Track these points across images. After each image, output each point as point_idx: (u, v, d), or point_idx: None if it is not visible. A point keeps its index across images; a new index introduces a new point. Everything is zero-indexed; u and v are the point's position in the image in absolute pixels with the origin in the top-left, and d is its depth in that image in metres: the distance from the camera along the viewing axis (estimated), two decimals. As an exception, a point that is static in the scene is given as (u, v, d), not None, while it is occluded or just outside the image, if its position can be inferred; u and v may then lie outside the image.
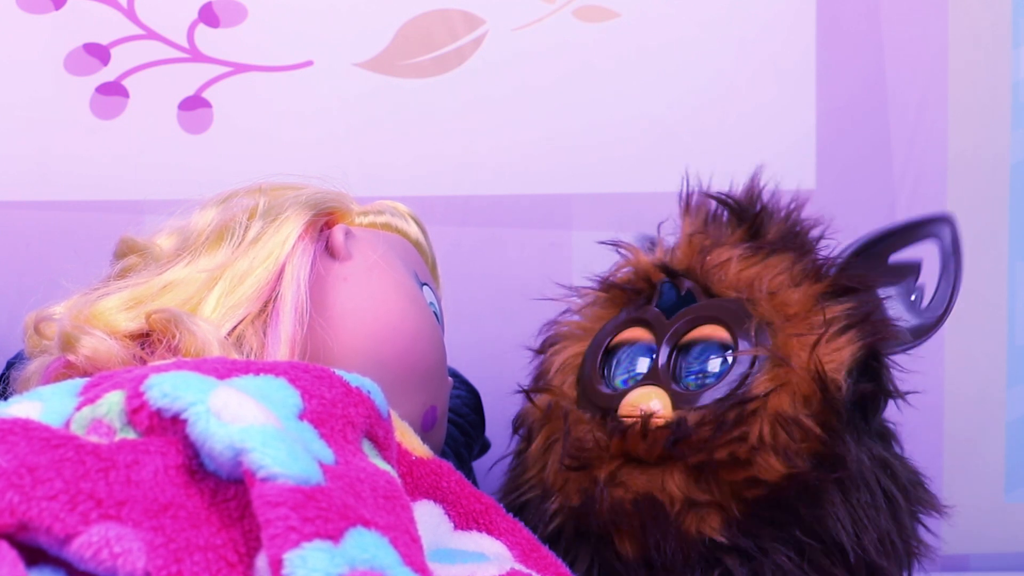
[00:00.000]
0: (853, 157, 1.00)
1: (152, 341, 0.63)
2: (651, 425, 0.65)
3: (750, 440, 0.63)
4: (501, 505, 0.64)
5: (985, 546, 1.01)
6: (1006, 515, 1.02)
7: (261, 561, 0.46)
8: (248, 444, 0.47)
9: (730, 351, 0.68)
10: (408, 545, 0.49)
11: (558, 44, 0.98)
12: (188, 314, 0.63)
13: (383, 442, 0.57)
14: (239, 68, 0.96)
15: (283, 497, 0.45)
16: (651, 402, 0.67)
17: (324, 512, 0.45)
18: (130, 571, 0.45)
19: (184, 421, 0.49)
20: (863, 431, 0.68)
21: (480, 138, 0.98)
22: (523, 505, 0.71)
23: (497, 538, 0.61)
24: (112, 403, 0.51)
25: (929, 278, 0.69)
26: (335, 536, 0.45)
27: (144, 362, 0.62)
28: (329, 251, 0.71)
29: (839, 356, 0.66)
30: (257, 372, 0.55)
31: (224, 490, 0.48)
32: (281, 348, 0.65)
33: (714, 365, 0.68)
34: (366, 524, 0.47)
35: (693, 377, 0.68)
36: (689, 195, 0.75)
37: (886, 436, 0.71)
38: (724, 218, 0.74)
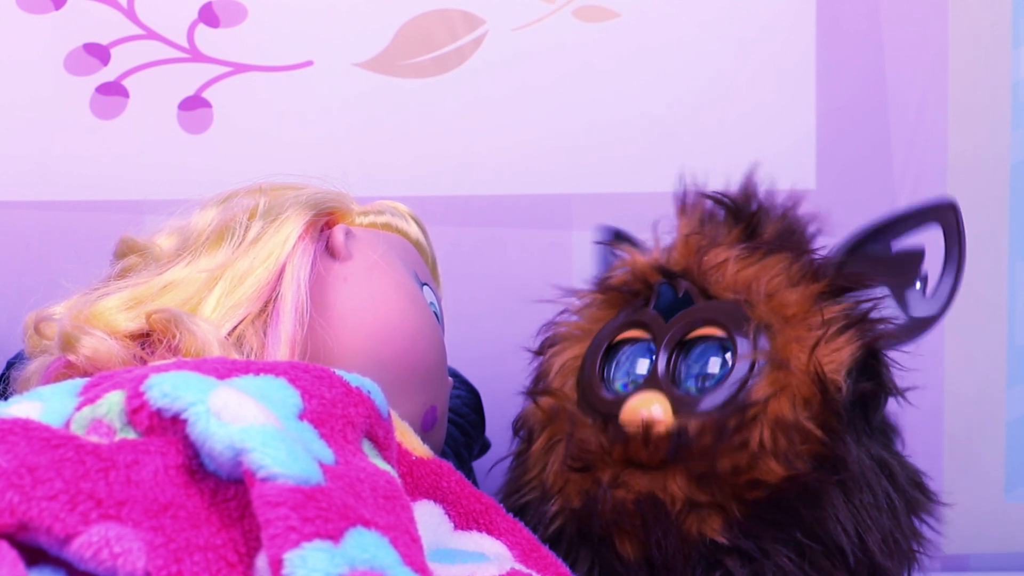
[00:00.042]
0: (853, 157, 1.00)
1: (152, 341, 0.63)
2: (652, 433, 0.65)
3: (751, 447, 0.63)
4: (501, 505, 0.64)
5: (985, 546, 1.01)
6: (1006, 515, 1.02)
7: (261, 561, 0.46)
8: (248, 444, 0.47)
9: (729, 352, 0.68)
10: (408, 545, 0.49)
11: (558, 44, 0.98)
12: (188, 314, 0.63)
13: (383, 442, 0.57)
14: (239, 68, 0.96)
15: (283, 497, 0.45)
16: (652, 408, 0.67)
17: (324, 512, 0.45)
18: (130, 571, 0.45)
19: (184, 421, 0.49)
20: (863, 431, 0.67)
21: (480, 138, 0.98)
22: (523, 507, 0.70)
23: (497, 538, 0.61)
24: (112, 403, 0.51)
25: (933, 266, 0.69)
26: (335, 536, 0.45)
27: (144, 362, 0.62)
28: (329, 251, 0.71)
29: (838, 356, 0.66)
30: (257, 372, 0.55)
31: (224, 490, 0.48)
32: (281, 348, 0.65)
33: (714, 367, 0.68)
34: (366, 524, 0.47)
35: (693, 380, 0.68)
36: (685, 194, 0.75)
37: (887, 432, 0.71)
38: (720, 217, 0.74)
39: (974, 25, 0.99)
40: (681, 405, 0.67)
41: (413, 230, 0.79)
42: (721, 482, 0.64)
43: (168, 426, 0.50)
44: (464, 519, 0.61)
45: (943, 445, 1.01)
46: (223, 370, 0.54)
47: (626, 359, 0.72)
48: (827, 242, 0.72)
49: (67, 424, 0.52)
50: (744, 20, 0.99)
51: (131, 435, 0.50)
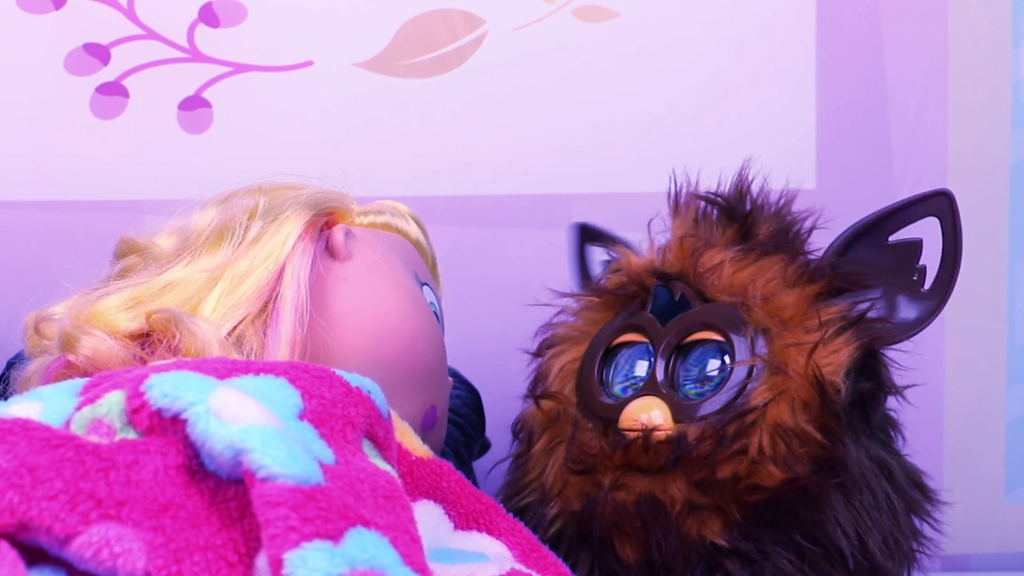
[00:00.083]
0: (853, 157, 1.00)
1: (152, 341, 0.63)
2: (652, 440, 0.65)
3: (750, 453, 0.63)
4: (501, 506, 0.64)
5: (985, 546, 1.01)
6: (1006, 515, 1.02)
7: (261, 561, 0.46)
8: (248, 444, 0.47)
9: (727, 354, 0.68)
10: (408, 545, 0.49)
11: (558, 44, 0.98)
12: (188, 314, 0.63)
13: (383, 442, 0.57)
14: (239, 68, 0.96)
15: (283, 497, 0.45)
16: (651, 413, 0.67)
17: (324, 512, 0.45)
18: (130, 571, 0.45)
19: (184, 421, 0.49)
20: (862, 431, 0.67)
21: (480, 138, 0.98)
22: (523, 509, 0.70)
23: (497, 538, 0.61)
24: (112, 403, 0.51)
25: (931, 259, 0.69)
26: (335, 536, 0.45)
27: (144, 362, 0.62)
28: (329, 251, 0.71)
29: (837, 358, 0.65)
30: (257, 372, 0.55)
31: (224, 490, 0.48)
32: (281, 348, 0.65)
33: (712, 371, 0.68)
34: (366, 524, 0.47)
35: (692, 384, 0.68)
36: (678, 195, 0.75)
37: (887, 428, 0.71)
38: (714, 217, 0.73)
39: (974, 25, 0.99)
40: (680, 410, 0.67)
41: (413, 230, 0.79)
42: (721, 487, 0.64)
43: (168, 426, 0.50)
44: (464, 519, 0.61)
45: (943, 445, 1.01)
46: (223, 370, 0.54)
47: (624, 362, 0.72)
48: (824, 241, 0.71)
49: (67, 424, 0.52)
50: (744, 20, 0.99)
51: (131, 435, 0.50)
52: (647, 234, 0.76)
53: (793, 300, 0.68)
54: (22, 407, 0.53)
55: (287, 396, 0.53)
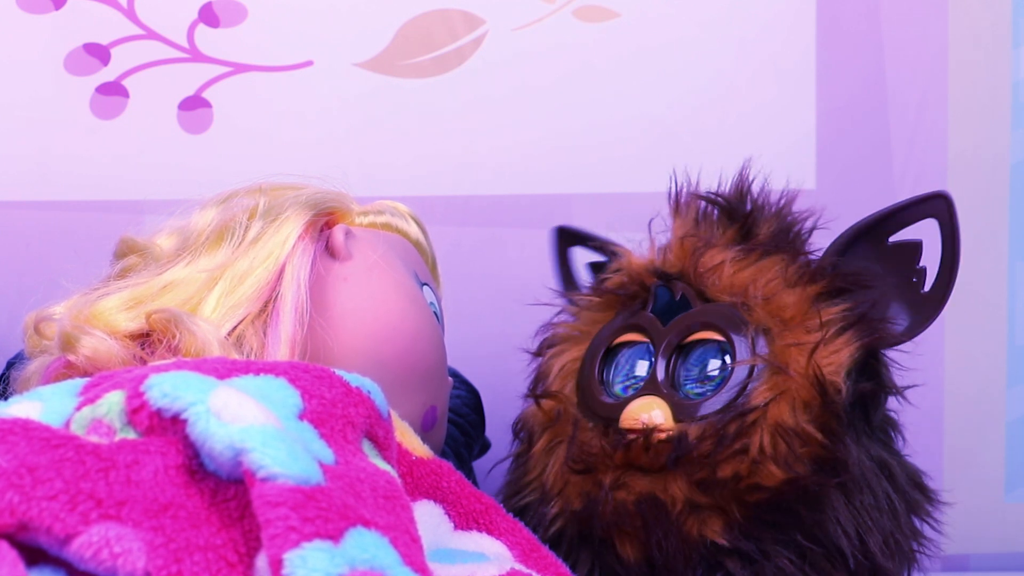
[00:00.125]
0: (853, 157, 1.00)
1: (152, 341, 0.63)
2: (653, 439, 0.65)
3: (751, 453, 0.63)
4: (501, 506, 0.64)
5: (985, 546, 1.01)
6: (1006, 515, 1.02)
7: (261, 561, 0.46)
8: (248, 444, 0.47)
9: (728, 354, 0.68)
10: (408, 545, 0.49)
11: (558, 44, 0.98)
12: (188, 314, 0.63)
13: (383, 442, 0.57)
14: (239, 68, 0.96)
15: (283, 497, 0.45)
16: (652, 412, 0.67)
17: (324, 512, 0.45)
18: (130, 571, 0.45)
19: (184, 421, 0.49)
20: (863, 431, 0.67)
21: (480, 138, 0.98)
22: (524, 508, 0.70)
23: (497, 538, 0.61)
24: (112, 403, 0.51)
25: (932, 260, 0.69)
26: (335, 536, 0.45)
27: (144, 362, 0.62)
28: (329, 251, 0.71)
29: (837, 358, 0.66)
30: (257, 372, 0.55)
31: (224, 490, 0.48)
32: (281, 348, 0.65)
33: (713, 371, 0.68)
34: (366, 524, 0.47)
35: (692, 384, 0.68)
36: (679, 194, 0.75)
37: (887, 428, 0.71)
38: (715, 217, 0.73)
39: (974, 25, 0.99)
40: (681, 410, 0.67)
41: (413, 230, 0.79)
42: (722, 486, 0.64)
43: (168, 426, 0.50)
44: (464, 519, 0.61)
45: (943, 445, 1.01)
46: (223, 370, 0.54)
47: (625, 362, 0.72)
48: (825, 241, 0.71)
49: (67, 424, 0.52)
50: (744, 20, 0.99)
51: (131, 435, 0.50)
52: (647, 234, 0.76)
53: (794, 300, 0.68)
54: (22, 407, 0.53)
55: (287, 396, 0.53)
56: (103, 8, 0.95)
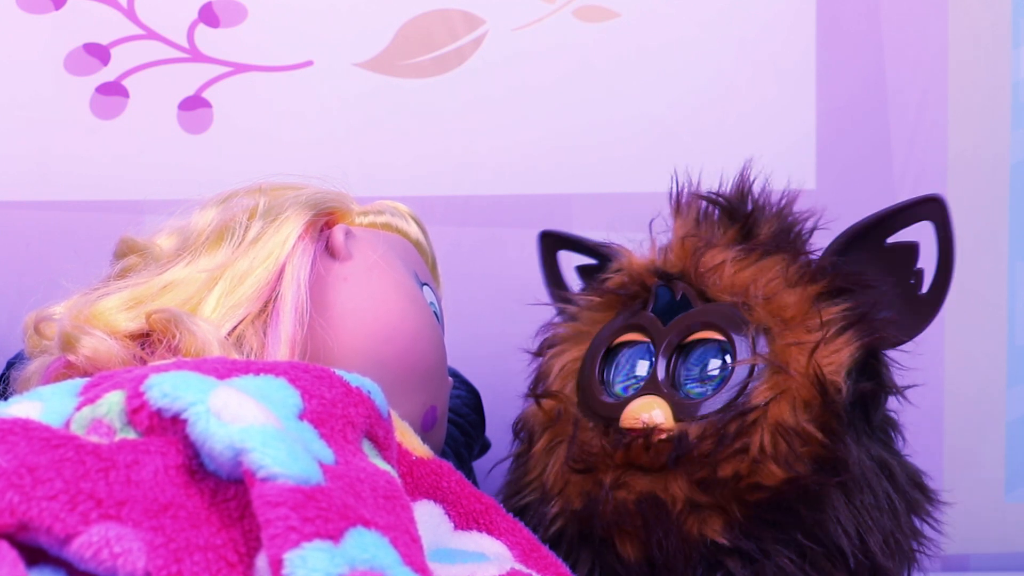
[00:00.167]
0: (853, 157, 1.00)
1: (152, 341, 0.63)
2: (653, 439, 0.65)
3: (751, 452, 0.63)
4: (501, 506, 0.64)
5: (985, 546, 1.01)
6: (1006, 515, 1.02)
7: (261, 561, 0.46)
8: (248, 444, 0.47)
9: (728, 354, 0.68)
10: (408, 545, 0.49)
11: (558, 44, 0.98)
12: (188, 314, 0.63)
13: (383, 442, 0.57)
14: (239, 68, 0.96)
15: (283, 497, 0.45)
16: (652, 412, 0.67)
17: (324, 512, 0.45)
18: (130, 571, 0.45)
19: (184, 421, 0.49)
20: (863, 431, 0.67)
21: (480, 138, 0.98)
22: (524, 508, 0.70)
23: (497, 538, 0.61)
24: (112, 403, 0.51)
25: (928, 262, 0.69)
26: (335, 536, 0.45)
27: (144, 362, 0.62)
28: (329, 251, 0.71)
29: (838, 358, 0.66)
30: (257, 372, 0.55)
31: (224, 490, 0.48)
32: (281, 348, 0.65)
33: (713, 370, 0.68)
34: (366, 524, 0.47)
35: (693, 383, 0.69)
36: (679, 194, 0.75)
37: (887, 428, 0.71)
38: (715, 217, 0.74)
39: (974, 25, 0.99)
40: (681, 409, 0.67)
41: (413, 230, 0.79)
42: (722, 486, 0.64)
43: (168, 426, 0.50)
44: (464, 519, 0.61)
45: (943, 445, 1.01)
46: (223, 370, 0.54)
47: (625, 361, 0.72)
48: (825, 242, 0.72)
49: (67, 424, 0.52)
50: (744, 20, 0.99)
51: (131, 435, 0.50)
52: (648, 234, 0.76)
53: (794, 300, 0.68)
54: (22, 407, 0.53)
55: (287, 396, 0.53)
56: (103, 8, 0.95)
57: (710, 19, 0.98)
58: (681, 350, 0.69)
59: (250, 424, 0.48)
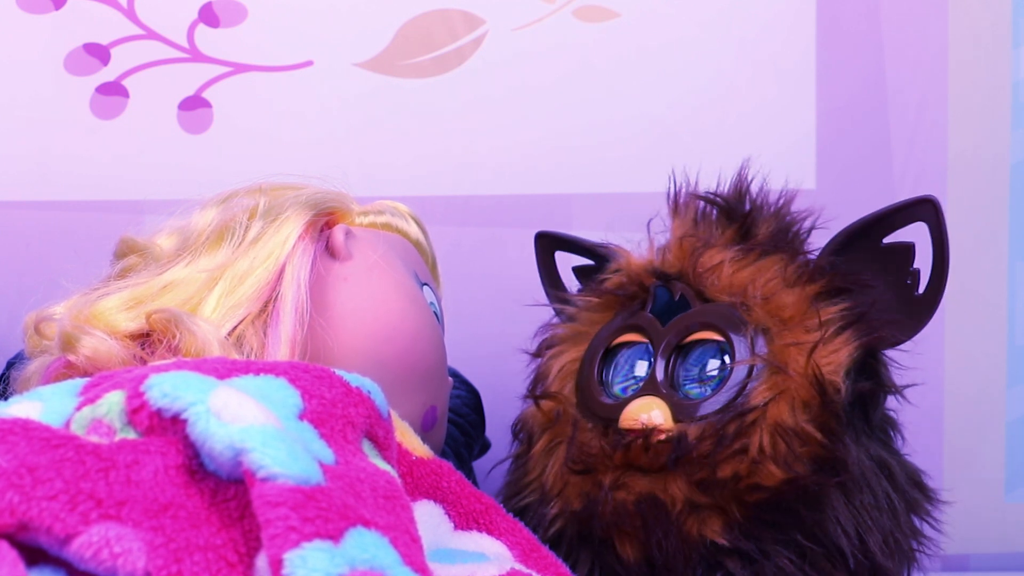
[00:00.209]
0: (853, 157, 1.00)
1: (152, 341, 0.63)
2: (652, 439, 0.65)
3: (750, 452, 0.63)
4: (501, 506, 0.64)
5: (985, 546, 1.01)
6: (1006, 515, 1.02)
7: (261, 561, 0.46)
8: (248, 444, 0.47)
9: (727, 354, 0.68)
10: (408, 545, 0.49)
11: (558, 44, 0.98)
12: (188, 314, 0.63)
13: (383, 442, 0.57)
14: (239, 68, 0.96)
15: (283, 497, 0.45)
16: (652, 413, 0.67)
17: (324, 512, 0.45)
18: (130, 571, 0.45)
19: (184, 421, 0.49)
20: (863, 431, 0.67)
21: (480, 138, 0.98)
22: (523, 509, 0.70)
23: (497, 538, 0.61)
24: (112, 403, 0.51)
25: (924, 263, 0.69)
26: (335, 536, 0.45)
27: (144, 362, 0.62)
28: (329, 251, 0.71)
29: (837, 358, 0.66)
30: (257, 372, 0.55)
31: (224, 490, 0.48)
32: (281, 348, 0.65)
33: (712, 371, 0.68)
34: (366, 524, 0.47)
35: (692, 384, 0.69)
36: (677, 194, 0.75)
37: (886, 428, 0.71)
38: (713, 216, 0.74)
39: (974, 25, 0.99)
40: (680, 410, 0.67)
41: (413, 230, 0.79)
42: (721, 486, 0.64)
43: (168, 426, 0.50)
44: (464, 519, 0.61)
45: (943, 445, 1.01)
46: (223, 370, 0.54)
47: (624, 362, 0.72)
48: (824, 241, 0.72)
49: (67, 424, 0.52)
50: (744, 20, 0.99)
51: (131, 435, 0.50)
52: (647, 234, 0.76)
53: (793, 300, 0.68)
54: (22, 407, 0.53)
55: (287, 396, 0.53)
56: (103, 8, 0.95)
57: (710, 19, 0.99)
58: (680, 350, 0.69)
59: (250, 424, 0.48)
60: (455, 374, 0.87)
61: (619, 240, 0.79)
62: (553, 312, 0.81)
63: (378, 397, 0.58)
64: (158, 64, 0.96)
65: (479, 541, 0.61)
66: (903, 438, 0.72)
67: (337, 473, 0.49)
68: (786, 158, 0.97)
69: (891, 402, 0.71)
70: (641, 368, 0.71)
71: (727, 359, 0.68)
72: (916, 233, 0.69)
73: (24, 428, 0.47)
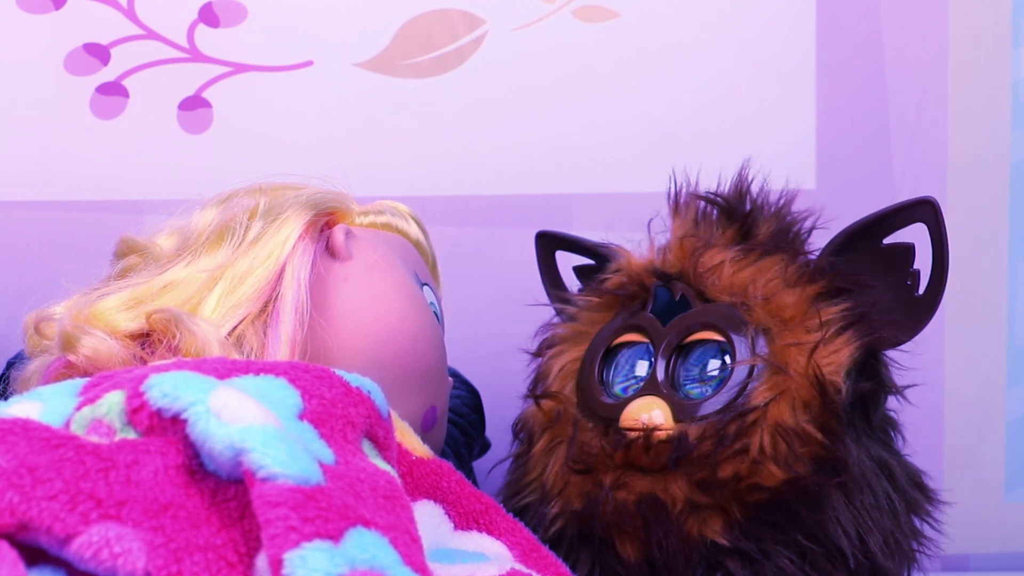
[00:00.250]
0: (853, 157, 1.00)
1: (152, 341, 0.63)
2: (653, 439, 0.65)
3: (751, 453, 0.63)
4: (501, 506, 0.64)
5: (985, 546, 1.01)
6: (1006, 515, 1.02)
7: (261, 561, 0.46)
8: (248, 444, 0.47)
9: (728, 354, 0.68)
10: (408, 545, 0.49)
11: (558, 44, 0.98)
12: (188, 314, 0.63)
13: (383, 442, 0.57)
14: (239, 68, 0.96)
15: (283, 497, 0.45)
16: (652, 413, 0.67)
17: (324, 512, 0.45)
18: (130, 571, 0.45)
19: (184, 421, 0.49)
20: (863, 431, 0.67)
21: (480, 138, 0.98)
22: (524, 509, 0.70)
23: (497, 538, 0.61)
24: (112, 403, 0.51)
25: (924, 263, 0.69)
26: (335, 536, 0.45)
27: (144, 362, 0.62)
28: (329, 251, 0.71)
29: (837, 358, 0.66)
30: (257, 372, 0.55)
31: (224, 490, 0.48)
32: (281, 348, 0.65)
33: (713, 371, 0.68)
34: (366, 524, 0.47)
35: (692, 384, 0.69)
36: (678, 194, 0.75)
37: (887, 428, 0.71)
38: (714, 216, 0.74)
39: (974, 25, 0.99)
40: (681, 410, 0.67)
41: (413, 230, 0.79)
42: (722, 486, 0.64)
43: (168, 426, 0.50)
44: (464, 519, 0.61)
45: (943, 445, 1.01)
46: (223, 370, 0.54)
47: (625, 362, 0.72)
48: (824, 242, 0.72)
49: (67, 424, 0.52)
50: (744, 20, 0.99)
51: (131, 435, 0.50)
52: (647, 234, 0.76)
53: (793, 300, 0.68)
54: (22, 407, 0.53)
55: (287, 396, 0.53)
56: (103, 8, 0.95)
57: (710, 19, 0.99)
58: (680, 350, 0.69)
59: (250, 424, 0.48)
60: (455, 374, 0.87)
61: (619, 240, 0.79)
62: (554, 312, 0.81)
63: (378, 397, 0.58)
64: (158, 64, 0.96)
65: (479, 541, 0.61)
66: (903, 438, 0.72)
67: (337, 473, 0.49)
68: (786, 158, 0.97)
69: (891, 402, 0.71)
70: (642, 368, 0.71)
71: (728, 359, 0.68)
72: (916, 234, 0.69)
73: (24, 428, 0.47)
